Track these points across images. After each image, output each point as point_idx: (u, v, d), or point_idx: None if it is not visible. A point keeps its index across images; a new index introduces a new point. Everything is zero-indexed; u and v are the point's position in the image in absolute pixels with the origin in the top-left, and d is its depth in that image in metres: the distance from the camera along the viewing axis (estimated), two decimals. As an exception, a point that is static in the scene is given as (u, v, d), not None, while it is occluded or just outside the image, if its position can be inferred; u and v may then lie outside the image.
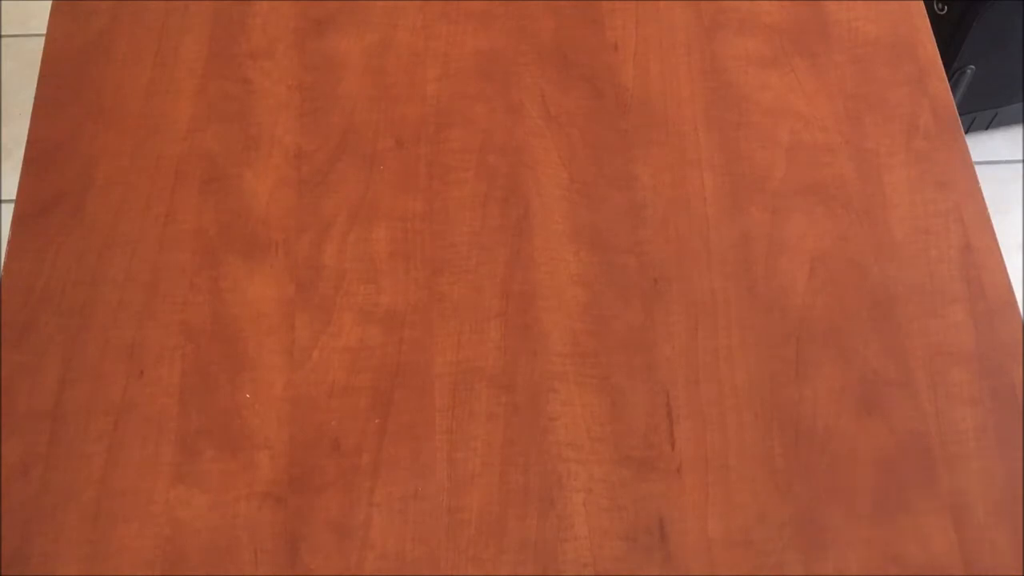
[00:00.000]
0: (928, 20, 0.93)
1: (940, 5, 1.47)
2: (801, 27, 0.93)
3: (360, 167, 0.85)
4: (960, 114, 0.88)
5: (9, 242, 0.81)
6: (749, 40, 0.92)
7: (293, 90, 0.89)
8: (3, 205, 1.67)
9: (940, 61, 0.91)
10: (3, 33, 1.82)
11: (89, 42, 0.91)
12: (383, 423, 0.75)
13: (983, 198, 0.84)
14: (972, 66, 1.50)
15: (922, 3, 0.95)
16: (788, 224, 0.83)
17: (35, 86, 0.89)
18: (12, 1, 1.84)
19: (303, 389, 0.76)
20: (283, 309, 0.79)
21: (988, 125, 1.68)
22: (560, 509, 0.72)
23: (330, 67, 0.90)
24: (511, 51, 0.91)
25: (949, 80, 0.86)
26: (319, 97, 0.88)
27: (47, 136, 0.86)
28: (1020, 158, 1.71)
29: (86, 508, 0.72)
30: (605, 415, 0.75)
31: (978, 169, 0.86)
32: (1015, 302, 0.80)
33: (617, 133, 0.87)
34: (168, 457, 0.73)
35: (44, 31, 0.92)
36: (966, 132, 1.60)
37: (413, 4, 0.93)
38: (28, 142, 0.86)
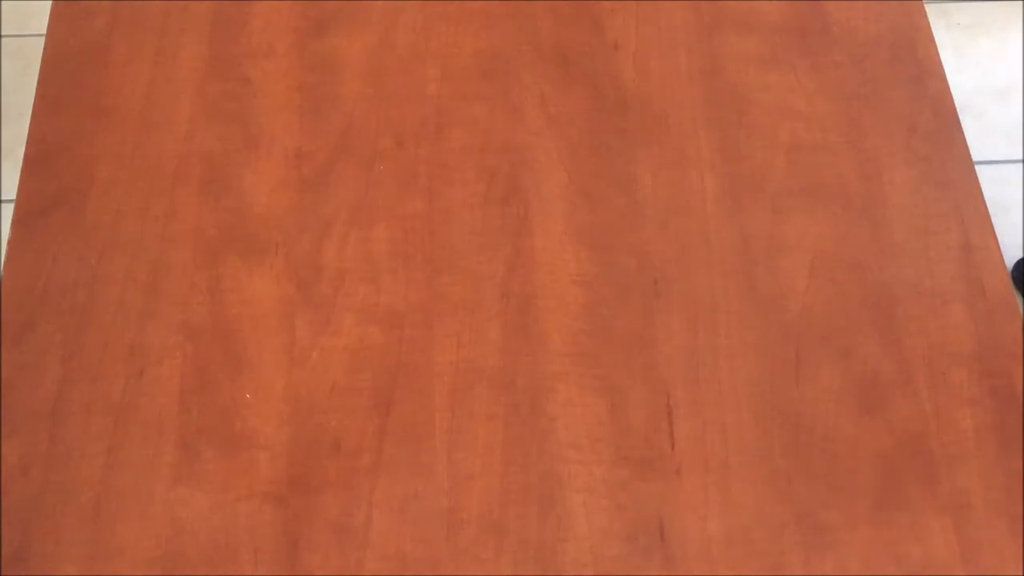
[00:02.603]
0: (928, 20, 0.93)
1: None
2: (801, 27, 0.92)
3: (360, 167, 0.85)
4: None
5: (9, 242, 0.81)
6: (749, 40, 0.92)
7: (293, 90, 0.89)
8: (3, 205, 1.67)
9: (940, 61, 0.91)
10: (3, 33, 1.82)
11: (89, 42, 0.91)
12: (383, 423, 0.75)
13: (983, 198, 0.84)
14: None
15: (922, 3, 0.95)
16: (788, 224, 0.83)
17: (35, 86, 0.89)
18: (12, 1, 1.83)
19: (303, 389, 0.76)
20: (283, 309, 0.79)
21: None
22: (560, 509, 0.72)
23: (330, 67, 0.90)
24: (511, 51, 0.91)
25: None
26: (319, 97, 0.88)
27: (47, 136, 0.86)
28: (1020, 158, 1.71)
29: (86, 508, 0.72)
30: (605, 415, 0.75)
31: (978, 169, 0.86)
32: (1015, 302, 0.80)
33: (617, 133, 0.87)
34: (168, 457, 0.73)
35: (44, 31, 0.92)
36: None
37: (413, 4, 0.93)
38: (28, 142, 0.86)
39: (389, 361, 0.77)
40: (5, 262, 0.80)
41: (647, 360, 0.77)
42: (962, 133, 0.88)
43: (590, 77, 0.90)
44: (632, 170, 0.85)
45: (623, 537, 0.71)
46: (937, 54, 0.91)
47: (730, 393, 0.76)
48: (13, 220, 0.83)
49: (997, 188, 1.68)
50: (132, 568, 0.70)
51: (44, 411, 0.75)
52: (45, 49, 0.91)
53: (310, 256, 0.81)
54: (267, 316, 0.79)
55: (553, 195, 0.84)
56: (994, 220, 0.84)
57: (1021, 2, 1.76)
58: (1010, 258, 1.64)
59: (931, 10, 0.94)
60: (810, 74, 0.90)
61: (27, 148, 0.86)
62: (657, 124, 0.87)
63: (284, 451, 0.74)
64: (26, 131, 0.86)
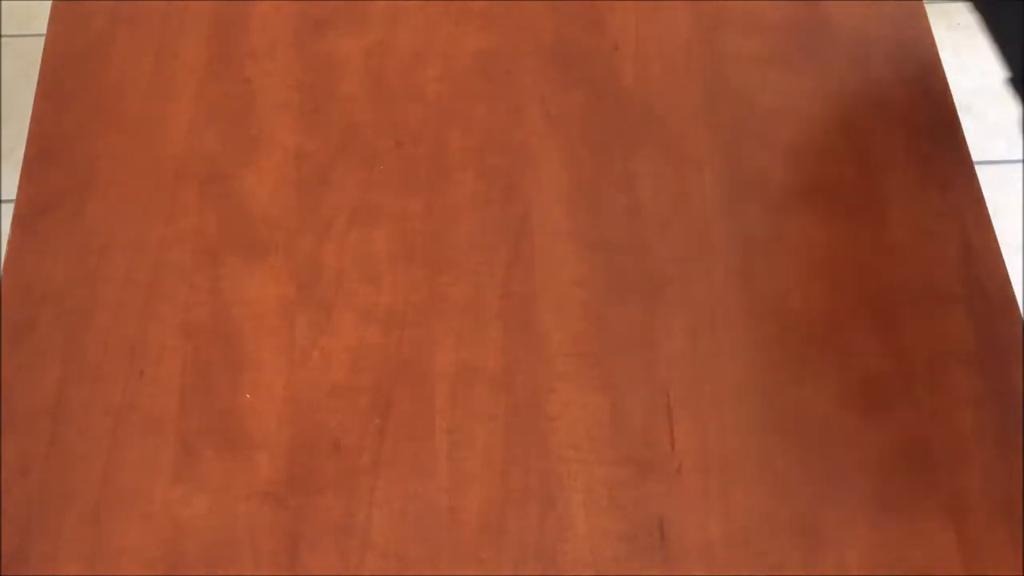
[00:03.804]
0: (928, 20, 0.93)
1: None
2: (801, 27, 0.92)
3: (360, 167, 0.85)
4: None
5: (9, 242, 0.81)
6: (749, 40, 0.92)
7: (293, 90, 0.89)
8: (3, 205, 1.67)
9: (940, 61, 0.91)
10: (3, 33, 1.82)
11: (89, 42, 0.91)
12: (383, 423, 0.75)
13: (983, 198, 0.84)
14: None
15: (922, 3, 0.95)
16: (788, 224, 0.83)
17: (35, 86, 0.89)
18: (12, 1, 1.83)
19: (303, 389, 0.76)
20: (283, 309, 0.79)
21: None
22: (560, 509, 0.72)
23: (330, 67, 0.90)
24: (511, 51, 0.91)
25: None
26: (319, 97, 0.88)
27: (47, 136, 0.86)
28: (1020, 158, 1.71)
29: (86, 508, 0.72)
30: (605, 415, 0.75)
31: (978, 169, 0.86)
32: (1015, 302, 0.80)
33: (617, 133, 0.87)
34: (168, 457, 0.73)
35: (44, 31, 0.92)
36: None
37: (413, 4, 0.93)
38: (28, 142, 0.86)
39: (389, 361, 0.77)
40: (5, 262, 0.80)
41: (647, 360, 0.77)
42: (962, 133, 0.87)
43: (590, 77, 0.90)
44: (632, 170, 0.85)
45: (623, 537, 0.71)
46: (937, 54, 0.91)
47: (730, 393, 0.76)
48: (13, 220, 0.83)
49: (997, 188, 1.68)
50: (132, 568, 0.70)
51: (44, 411, 0.75)
52: (45, 49, 0.91)
53: (310, 256, 0.81)
54: (267, 316, 0.79)
55: (553, 195, 0.84)
56: (994, 220, 0.84)
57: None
58: (1010, 258, 1.63)
59: (931, 10, 0.94)
60: (810, 74, 0.90)
61: (27, 148, 0.86)
62: (657, 124, 0.87)
63: (284, 451, 0.74)
64: (26, 131, 0.86)
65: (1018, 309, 0.80)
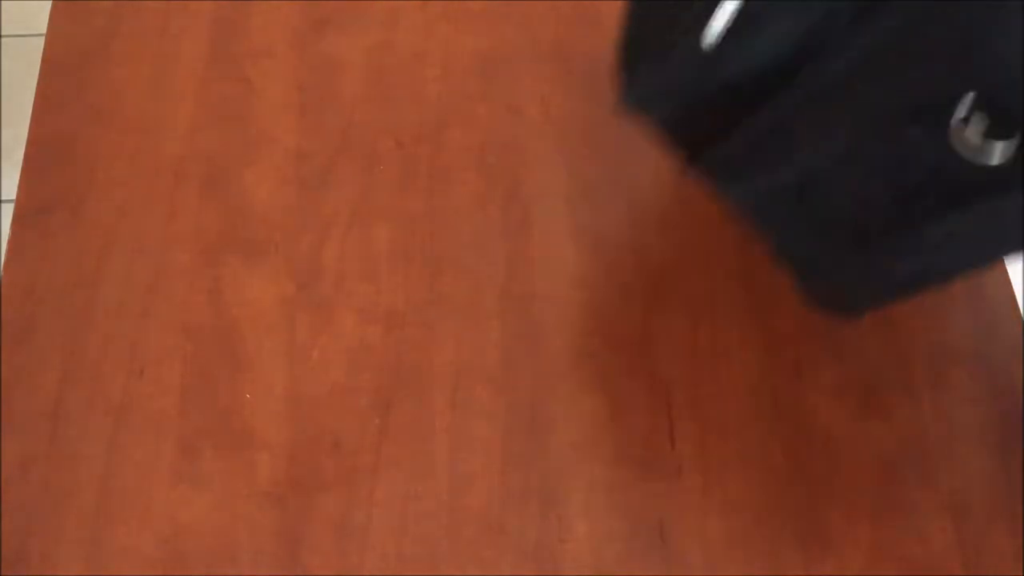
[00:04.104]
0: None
1: None
2: (801, 27, 0.92)
3: (360, 167, 0.85)
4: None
5: (9, 242, 0.81)
6: (749, 40, 0.92)
7: (293, 90, 0.89)
8: (3, 205, 1.67)
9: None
10: (3, 33, 1.82)
11: (89, 42, 0.91)
12: (383, 423, 0.75)
13: (983, 198, 0.84)
14: None
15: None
16: (788, 224, 0.83)
17: (35, 86, 0.89)
18: (12, 1, 1.83)
19: (303, 389, 0.76)
20: (283, 309, 0.79)
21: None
22: (560, 509, 0.72)
23: (330, 67, 0.90)
24: (511, 51, 0.91)
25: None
26: (319, 97, 0.88)
27: (47, 136, 0.86)
28: (1020, 158, 1.71)
29: (86, 508, 0.72)
30: (605, 415, 0.75)
31: (978, 169, 0.86)
32: (1015, 302, 0.80)
33: (617, 133, 0.87)
34: (168, 457, 0.73)
35: (44, 31, 0.92)
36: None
37: (413, 4, 0.93)
38: (28, 142, 0.86)
39: (389, 361, 0.77)
40: (5, 262, 0.80)
41: (647, 360, 0.77)
42: (962, 133, 0.87)
43: (590, 77, 0.90)
44: (632, 170, 0.85)
45: (623, 537, 0.71)
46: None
47: (730, 393, 0.76)
48: (13, 220, 0.83)
49: (997, 188, 1.67)
50: (132, 568, 0.70)
51: (44, 411, 0.75)
52: (45, 49, 0.91)
53: (310, 256, 0.81)
54: (267, 316, 0.79)
55: (553, 195, 0.84)
56: (994, 220, 0.84)
57: (1021, 2, 1.75)
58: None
59: (931, 10, 0.94)
60: (810, 74, 0.90)
61: (27, 148, 0.86)
62: (657, 124, 0.87)
63: (284, 451, 0.74)
64: (26, 131, 0.86)
65: (1018, 309, 0.80)
